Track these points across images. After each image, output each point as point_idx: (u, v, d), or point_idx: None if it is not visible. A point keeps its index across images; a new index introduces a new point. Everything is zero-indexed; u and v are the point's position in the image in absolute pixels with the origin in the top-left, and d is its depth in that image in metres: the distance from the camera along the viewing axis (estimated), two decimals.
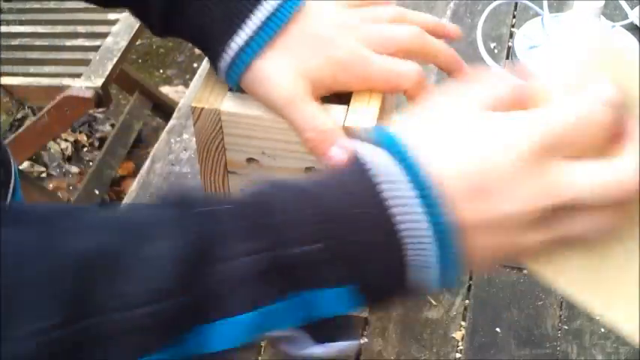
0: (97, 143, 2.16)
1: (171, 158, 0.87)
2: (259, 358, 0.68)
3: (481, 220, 0.40)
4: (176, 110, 0.94)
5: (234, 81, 0.57)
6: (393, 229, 0.39)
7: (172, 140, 0.89)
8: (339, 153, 0.42)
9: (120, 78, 1.85)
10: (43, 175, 2.08)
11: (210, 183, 0.65)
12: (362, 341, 0.51)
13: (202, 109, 0.59)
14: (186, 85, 2.23)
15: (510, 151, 0.39)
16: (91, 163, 2.05)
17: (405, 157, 0.40)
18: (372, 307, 0.48)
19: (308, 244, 0.39)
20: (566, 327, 0.70)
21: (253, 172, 0.62)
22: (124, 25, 1.80)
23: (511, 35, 1.02)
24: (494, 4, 1.02)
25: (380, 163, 0.40)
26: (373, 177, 0.39)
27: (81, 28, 1.84)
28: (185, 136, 0.89)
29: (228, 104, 0.59)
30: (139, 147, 2.10)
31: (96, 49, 1.77)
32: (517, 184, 0.39)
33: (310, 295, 0.39)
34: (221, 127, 0.60)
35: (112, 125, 2.16)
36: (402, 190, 0.39)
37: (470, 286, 0.74)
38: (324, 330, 0.41)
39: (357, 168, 0.40)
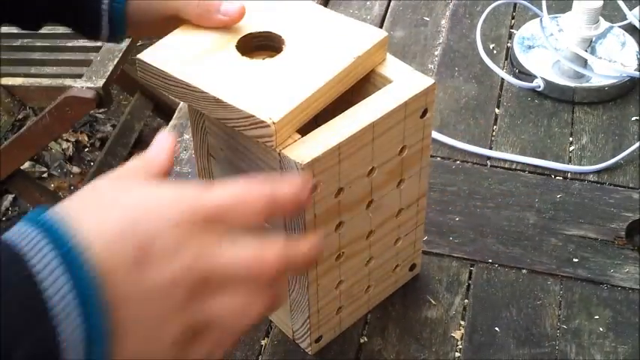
0: (98, 144, 2.16)
1: None
2: (259, 357, 0.69)
3: (135, 288, 0.40)
4: (177, 110, 0.94)
5: (121, 10, 0.62)
6: (30, 284, 0.38)
7: None
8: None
9: (121, 78, 1.85)
10: (45, 175, 2.08)
11: (199, 163, 0.68)
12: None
13: None
14: None
15: (168, 211, 0.41)
16: (92, 164, 2.05)
17: (50, 227, 0.39)
18: None
19: None
20: (564, 326, 0.71)
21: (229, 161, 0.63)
22: None
23: (510, 36, 1.03)
24: (494, 4, 1.02)
25: (23, 238, 0.39)
26: (19, 253, 0.38)
27: None
28: (186, 136, 0.89)
29: None
30: (139, 147, 2.10)
31: (97, 49, 1.77)
32: (173, 244, 0.40)
33: None
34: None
35: (113, 126, 2.16)
36: (44, 256, 0.38)
37: (469, 285, 0.74)
38: None
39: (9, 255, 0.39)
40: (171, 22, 0.62)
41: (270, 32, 0.60)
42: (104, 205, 0.41)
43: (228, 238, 0.42)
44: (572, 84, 0.93)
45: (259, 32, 0.60)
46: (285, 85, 0.56)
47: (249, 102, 0.54)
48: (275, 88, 0.55)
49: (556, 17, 0.99)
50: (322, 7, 0.64)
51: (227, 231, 0.42)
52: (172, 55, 0.58)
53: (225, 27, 0.60)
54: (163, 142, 0.47)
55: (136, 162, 0.46)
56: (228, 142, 0.62)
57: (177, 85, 0.57)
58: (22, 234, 0.39)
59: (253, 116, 0.53)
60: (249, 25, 0.61)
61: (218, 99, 0.54)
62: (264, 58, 0.58)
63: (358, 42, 0.59)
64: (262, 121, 0.53)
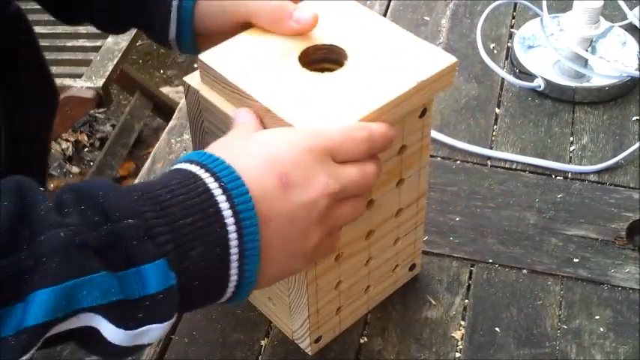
0: (97, 143, 2.16)
1: (172, 158, 0.87)
2: (259, 357, 0.69)
3: (281, 207, 0.49)
4: (177, 110, 0.94)
5: (189, 17, 0.63)
6: (211, 204, 0.47)
7: (173, 140, 0.89)
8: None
9: (121, 78, 1.85)
10: None
11: None
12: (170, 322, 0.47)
13: (189, 85, 0.60)
14: None
15: (296, 146, 0.50)
16: (91, 164, 2.05)
17: (213, 162, 0.49)
18: (190, 295, 0.47)
19: (128, 219, 0.44)
20: (565, 326, 0.70)
21: None
22: None
23: (510, 36, 1.03)
24: (494, 4, 1.02)
25: (195, 168, 0.48)
26: (196, 176, 0.48)
27: (82, 29, 1.84)
28: (185, 136, 0.89)
29: (207, 90, 0.59)
30: (139, 147, 2.10)
31: (97, 49, 1.77)
32: (307, 172, 0.50)
33: (128, 272, 0.44)
34: (201, 110, 0.60)
35: (113, 125, 2.16)
36: (213, 183, 0.47)
37: (469, 285, 0.74)
38: (132, 313, 0.44)
39: (179, 172, 0.48)
40: (240, 29, 0.61)
41: (335, 46, 0.59)
42: (238, 153, 0.50)
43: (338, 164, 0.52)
44: (572, 84, 0.93)
45: (324, 45, 0.59)
46: (342, 103, 0.55)
47: (302, 118, 0.54)
48: (330, 106, 0.55)
49: (556, 17, 0.99)
50: (394, 24, 0.61)
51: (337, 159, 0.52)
52: (233, 59, 0.58)
53: (296, 34, 0.59)
54: (247, 112, 0.55)
55: (239, 126, 0.54)
56: None
57: (232, 90, 0.57)
58: (188, 164, 0.49)
59: None
60: (316, 36, 0.60)
61: (271, 111, 0.54)
62: (323, 71, 0.58)
63: (424, 65, 0.57)
64: None
